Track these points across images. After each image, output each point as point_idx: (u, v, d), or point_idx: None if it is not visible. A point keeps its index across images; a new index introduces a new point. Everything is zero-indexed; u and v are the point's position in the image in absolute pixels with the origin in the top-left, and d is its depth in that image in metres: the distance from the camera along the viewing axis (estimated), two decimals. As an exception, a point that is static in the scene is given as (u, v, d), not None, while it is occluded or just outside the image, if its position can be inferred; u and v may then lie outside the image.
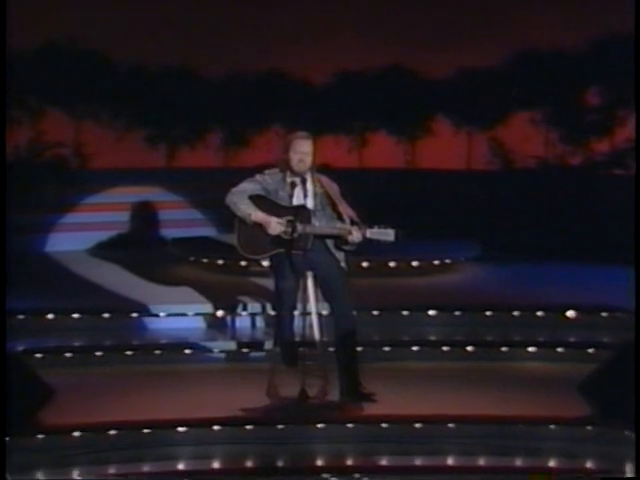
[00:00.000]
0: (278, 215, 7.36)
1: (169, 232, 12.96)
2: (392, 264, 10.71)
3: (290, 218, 7.33)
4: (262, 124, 13.85)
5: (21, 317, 9.10)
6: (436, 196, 13.32)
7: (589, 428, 7.22)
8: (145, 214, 13.16)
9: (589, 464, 7.08)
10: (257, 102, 13.73)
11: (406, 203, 13.09)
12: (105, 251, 12.66)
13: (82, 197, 13.06)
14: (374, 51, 13.57)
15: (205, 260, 11.14)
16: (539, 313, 9.23)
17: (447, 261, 11.11)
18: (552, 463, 7.11)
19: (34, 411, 7.29)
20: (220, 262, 10.89)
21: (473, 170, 13.79)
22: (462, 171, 13.82)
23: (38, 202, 12.75)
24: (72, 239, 12.72)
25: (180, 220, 13.15)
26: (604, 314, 9.19)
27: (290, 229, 7.30)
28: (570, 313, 9.20)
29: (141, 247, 12.72)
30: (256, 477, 7.04)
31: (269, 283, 7.83)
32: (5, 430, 6.54)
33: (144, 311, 9.31)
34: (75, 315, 9.18)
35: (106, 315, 9.23)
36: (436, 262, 11.02)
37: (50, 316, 9.16)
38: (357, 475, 6.97)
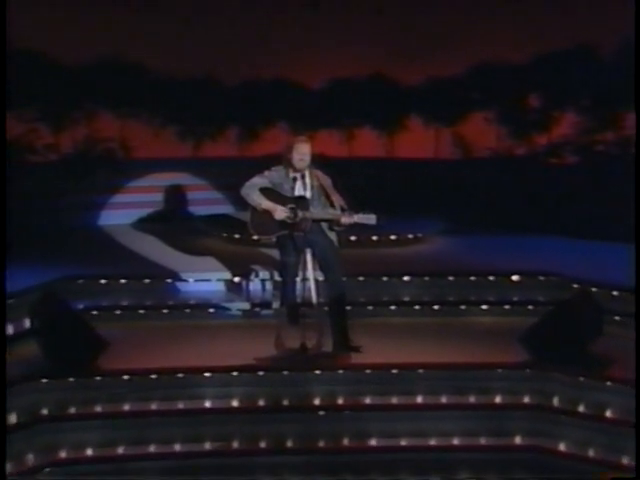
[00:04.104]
0: (283, 204, 7.44)
1: (196, 210, 12.97)
2: (374, 238, 10.67)
3: (292, 206, 7.42)
4: (270, 122, 13.78)
5: (80, 281, 9.14)
6: (409, 180, 13.29)
7: (527, 371, 7.32)
8: (176, 195, 13.13)
9: (526, 399, 7.23)
10: (266, 104, 13.64)
11: (385, 185, 13.15)
12: (145, 225, 12.65)
13: (126, 181, 13.06)
14: (360, 62, 13.52)
15: (225, 234, 11.09)
16: (490, 277, 9.22)
17: (419, 235, 11.06)
18: (498, 399, 7.25)
19: (92, 357, 7.38)
20: (237, 236, 10.84)
21: (439, 159, 13.76)
22: (430, 159, 13.76)
23: (92, 185, 12.77)
24: (119, 216, 12.76)
25: (204, 200, 13.10)
26: (541, 278, 9.18)
27: (292, 215, 7.40)
28: (515, 277, 9.20)
29: (173, 222, 12.69)
30: (266, 414, 7.17)
31: (276, 254, 7.83)
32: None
33: (176, 277, 9.34)
34: (122, 280, 9.20)
35: (146, 280, 9.24)
36: (410, 236, 10.97)
37: (102, 281, 9.19)
38: (346, 411, 7.14)
